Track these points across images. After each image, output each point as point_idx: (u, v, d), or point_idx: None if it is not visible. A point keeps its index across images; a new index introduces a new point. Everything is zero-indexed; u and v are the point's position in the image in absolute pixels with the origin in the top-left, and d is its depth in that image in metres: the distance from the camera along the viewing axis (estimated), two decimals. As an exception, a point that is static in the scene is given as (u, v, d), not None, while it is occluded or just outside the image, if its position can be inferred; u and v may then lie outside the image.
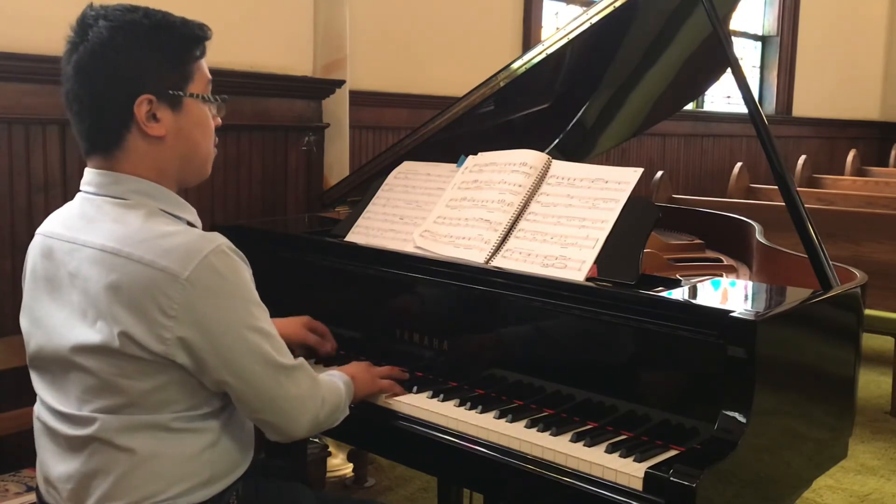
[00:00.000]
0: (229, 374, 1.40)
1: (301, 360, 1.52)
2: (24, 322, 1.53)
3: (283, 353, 1.48)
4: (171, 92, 1.44)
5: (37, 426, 1.53)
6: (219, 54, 2.74)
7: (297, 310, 2.16)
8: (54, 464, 1.47)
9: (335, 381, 1.64)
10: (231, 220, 2.73)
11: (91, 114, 1.44)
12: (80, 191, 1.51)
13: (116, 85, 1.41)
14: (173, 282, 1.34)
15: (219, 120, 1.55)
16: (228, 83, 2.74)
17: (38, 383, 1.52)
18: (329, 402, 1.58)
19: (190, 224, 1.49)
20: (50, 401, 1.48)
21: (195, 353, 1.37)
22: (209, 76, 1.52)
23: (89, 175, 1.49)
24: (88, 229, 1.43)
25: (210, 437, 1.45)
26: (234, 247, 1.43)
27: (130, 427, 1.39)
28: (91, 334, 1.38)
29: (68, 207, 1.52)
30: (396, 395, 1.78)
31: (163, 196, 1.47)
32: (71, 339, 1.41)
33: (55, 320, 1.44)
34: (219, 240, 1.40)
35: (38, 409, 1.52)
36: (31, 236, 1.57)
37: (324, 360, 1.99)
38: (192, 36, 1.48)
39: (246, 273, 1.44)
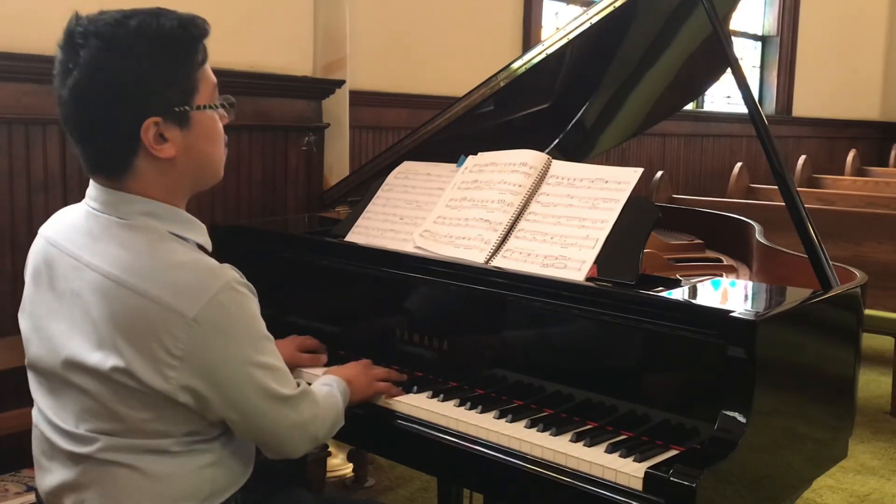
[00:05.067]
0: (233, 411, 1.39)
1: (303, 387, 1.51)
2: (24, 323, 1.51)
3: (287, 383, 1.45)
4: (177, 109, 1.38)
5: (35, 433, 1.51)
6: (219, 54, 2.74)
7: (297, 310, 2.17)
8: (55, 470, 1.46)
9: (334, 396, 1.63)
10: (231, 220, 2.73)
11: (95, 141, 1.38)
12: (85, 203, 1.45)
13: (120, 111, 1.35)
14: (180, 321, 1.30)
15: (226, 119, 1.49)
16: (228, 83, 2.73)
17: (35, 390, 1.50)
18: (328, 420, 1.58)
19: (199, 246, 1.44)
20: (48, 412, 1.46)
21: (199, 395, 1.35)
22: (214, 79, 1.45)
23: (95, 191, 1.43)
24: (93, 249, 1.38)
25: (211, 458, 1.44)
26: (242, 280, 1.38)
27: (131, 449, 1.37)
28: (91, 358, 1.34)
29: (73, 215, 1.46)
30: (393, 395, 1.78)
31: (171, 217, 1.42)
32: (70, 355, 1.38)
33: (54, 331, 1.41)
34: (227, 275, 1.35)
35: (36, 416, 1.50)
36: (32, 236, 1.55)
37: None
38: (190, 41, 1.40)
39: (254, 306, 1.40)
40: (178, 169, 1.41)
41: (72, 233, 1.44)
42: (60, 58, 1.36)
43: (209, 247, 1.47)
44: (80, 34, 1.34)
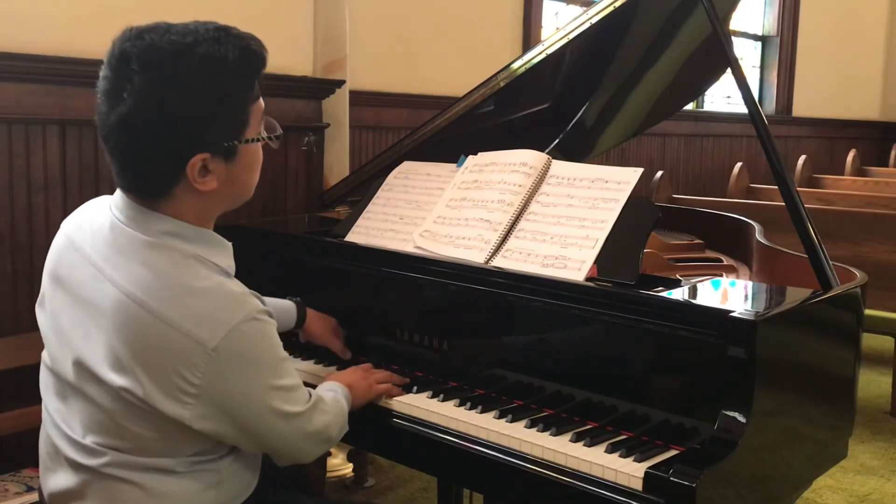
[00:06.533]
0: (248, 434, 1.40)
1: (315, 397, 1.51)
2: (43, 319, 1.48)
3: (300, 398, 1.45)
4: (225, 144, 1.36)
5: (43, 433, 1.50)
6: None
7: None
8: (58, 474, 1.46)
9: (340, 402, 1.63)
10: (231, 221, 2.72)
11: (137, 169, 1.35)
12: (111, 210, 1.41)
13: (169, 146, 1.32)
14: (200, 351, 1.29)
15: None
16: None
17: (46, 390, 1.49)
18: (337, 425, 1.58)
19: (224, 270, 1.41)
20: (55, 415, 1.45)
21: (217, 423, 1.35)
22: (263, 105, 1.42)
23: (122, 202, 1.39)
24: (116, 263, 1.35)
25: (216, 478, 1.43)
26: (263, 307, 1.37)
27: (135, 466, 1.37)
28: (105, 374, 1.33)
29: (98, 220, 1.42)
30: (394, 395, 1.78)
31: (198, 238, 1.39)
32: (84, 365, 1.36)
33: (70, 337, 1.40)
34: (249, 304, 1.34)
35: (45, 418, 1.49)
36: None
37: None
38: (250, 75, 1.37)
39: (274, 331, 1.39)
40: (215, 199, 1.41)
41: (96, 240, 1.40)
42: (108, 75, 1.32)
43: (232, 270, 1.44)
44: (136, 58, 1.29)
